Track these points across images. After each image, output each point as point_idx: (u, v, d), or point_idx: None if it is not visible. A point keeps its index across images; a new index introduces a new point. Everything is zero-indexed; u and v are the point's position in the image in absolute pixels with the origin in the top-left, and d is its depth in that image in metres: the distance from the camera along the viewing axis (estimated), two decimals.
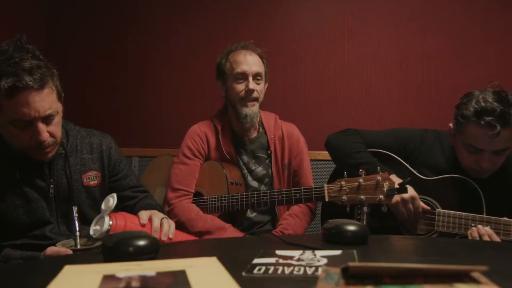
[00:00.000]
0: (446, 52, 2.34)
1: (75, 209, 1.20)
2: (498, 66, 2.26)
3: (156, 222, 1.16)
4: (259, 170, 1.67)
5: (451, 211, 1.39)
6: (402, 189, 1.21)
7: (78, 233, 1.16)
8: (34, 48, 1.16)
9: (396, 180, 1.33)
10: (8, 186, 1.19)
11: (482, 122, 1.28)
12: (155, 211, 1.23)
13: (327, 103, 2.47)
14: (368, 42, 2.43)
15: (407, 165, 1.52)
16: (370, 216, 1.30)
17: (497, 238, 1.27)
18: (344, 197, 1.26)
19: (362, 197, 1.24)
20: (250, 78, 1.61)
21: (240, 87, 1.61)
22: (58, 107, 1.19)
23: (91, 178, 1.33)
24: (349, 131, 1.64)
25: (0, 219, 1.19)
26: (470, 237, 1.29)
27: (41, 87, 1.11)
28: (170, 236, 1.17)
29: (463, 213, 1.37)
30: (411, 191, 1.38)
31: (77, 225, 1.17)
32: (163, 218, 1.20)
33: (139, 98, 2.71)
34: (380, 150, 1.57)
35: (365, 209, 1.25)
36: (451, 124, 1.46)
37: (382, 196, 1.22)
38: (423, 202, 1.44)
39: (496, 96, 1.31)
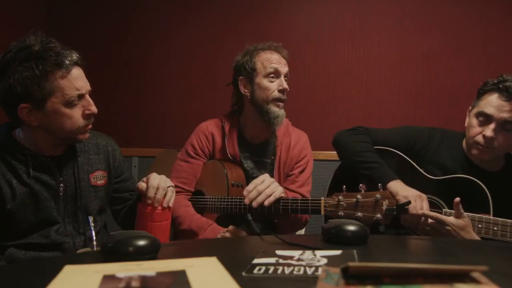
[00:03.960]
0: (446, 52, 2.34)
1: (91, 218, 1.27)
2: (498, 66, 2.26)
3: (161, 191, 1.21)
4: (254, 170, 1.64)
5: None
6: (401, 210, 1.19)
7: (95, 242, 1.23)
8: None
9: (396, 187, 1.34)
10: (20, 184, 1.19)
11: (501, 86, 1.35)
12: (163, 176, 1.27)
13: (327, 103, 2.47)
14: (368, 42, 2.44)
15: (414, 164, 1.51)
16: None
17: None
18: (341, 213, 1.23)
19: (359, 214, 1.21)
20: (283, 77, 1.59)
21: (273, 85, 1.57)
22: None
23: (98, 178, 1.35)
24: (358, 130, 1.62)
25: (9, 218, 1.18)
26: None
27: (82, 64, 1.21)
28: (170, 204, 1.22)
29: (470, 213, 1.34)
30: (417, 191, 1.37)
31: (93, 233, 1.24)
32: (169, 186, 1.24)
33: (139, 98, 2.71)
34: (388, 148, 1.56)
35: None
36: (470, 107, 1.50)
37: (380, 215, 1.19)
38: (430, 201, 1.43)
39: None
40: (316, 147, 1.75)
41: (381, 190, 1.21)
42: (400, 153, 1.54)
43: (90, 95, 1.23)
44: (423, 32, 2.37)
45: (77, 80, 1.17)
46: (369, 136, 1.59)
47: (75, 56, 1.18)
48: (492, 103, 1.37)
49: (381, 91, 2.42)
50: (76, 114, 1.19)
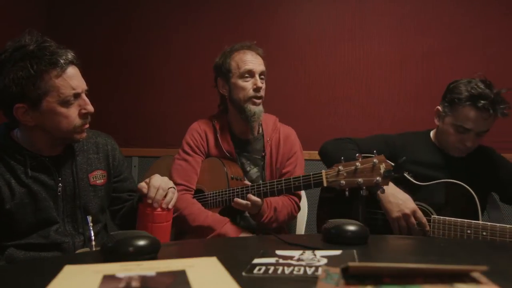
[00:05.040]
0: (446, 52, 2.34)
1: (89, 218, 1.25)
2: (498, 66, 2.26)
3: (161, 191, 1.20)
4: (254, 172, 1.67)
5: (446, 218, 1.40)
6: (398, 170, 1.21)
7: (93, 242, 1.22)
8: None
9: (387, 196, 1.42)
10: (18, 184, 1.19)
11: (479, 105, 1.42)
12: (166, 178, 1.26)
13: (327, 103, 2.47)
14: (368, 42, 2.44)
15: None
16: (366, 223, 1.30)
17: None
18: (342, 181, 1.26)
19: (359, 180, 1.23)
20: (257, 76, 1.62)
21: (248, 85, 1.61)
22: None
23: (98, 177, 1.35)
24: (343, 140, 1.68)
25: (8, 218, 1.18)
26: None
27: (78, 66, 1.20)
28: (170, 206, 1.21)
29: (458, 219, 1.37)
30: (411, 204, 1.42)
31: (92, 234, 1.23)
32: (170, 187, 1.24)
33: (139, 98, 2.71)
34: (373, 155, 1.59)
35: (362, 192, 1.23)
36: (439, 107, 1.59)
37: (379, 178, 1.21)
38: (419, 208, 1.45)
39: (485, 84, 1.46)
40: (315, 147, 1.76)
41: (376, 155, 1.23)
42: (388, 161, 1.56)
43: (86, 94, 1.22)
44: (423, 32, 2.37)
45: (72, 79, 1.16)
46: (355, 145, 1.65)
47: (70, 55, 1.17)
48: (470, 118, 1.45)
49: (381, 91, 2.42)
50: (72, 114, 1.18)
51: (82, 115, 1.20)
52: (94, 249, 1.21)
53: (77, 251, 1.22)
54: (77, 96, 1.18)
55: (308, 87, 2.50)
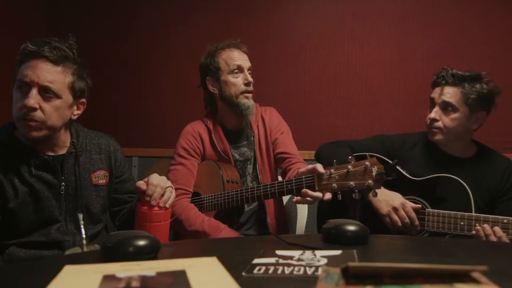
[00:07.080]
0: (446, 52, 2.34)
1: (80, 216, 1.25)
2: (498, 66, 2.26)
3: (159, 189, 1.19)
4: (247, 153, 1.71)
5: (441, 211, 1.42)
6: (390, 172, 1.20)
7: (85, 241, 1.22)
8: (77, 47, 1.26)
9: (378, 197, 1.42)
10: (21, 183, 1.19)
11: (432, 81, 1.62)
12: (164, 177, 1.25)
13: (327, 103, 2.47)
14: (368, 42, 2.43)
15: (398, 167, 1.55)
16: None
17: (505, 239, 1.31)
18: (334, 185, 1.24)
19: (351, 183, 1.22)
20: (246, 71, 1.67)
21: (239, 80, 1.65)
22: (63, 92, 1.20)
23: (100, 177, 1.36)
24: (339, 143, 1.70)
25: (11, 217, 1.19)
26: (475, 234, 1.35)
27: (53, 63, 1.18)
28: (167, 206, 1.20)
29: (452, 212, 1.40)
30: (399, 199, 1.44)
31: (83, 232, 1.23)
32: (168, 186, 1.23)
33: (139, 98, 2.71)
34: (372, 154, 1.59)
35: (355, 195, 1.22)
36: None
37: (371, 181, 1.20)
38: (413, 202, 1.47)
39: (465, 70, 1.58)
40: (315, 147, 1.76)
41: (369, 158, 1.22)
42: (384, 157, 1.58)
43: (42, 93, 1.15)
44: (423, 32, 2.37)
45: (28, 68, 1.15)
46: (350, 148, 1.66)
47: (47, 49, 1.16)
48: (435, 90, 1.59)
49: (381, 91, 2.42)
50: (19, 102, 1.16)
51: (19, 108, 1.15)
52: (85, 248, 1.21)
53: (67, 251, 1.21)
54: (22, 85, 1.16)
55: (308, 87, 2.50)
